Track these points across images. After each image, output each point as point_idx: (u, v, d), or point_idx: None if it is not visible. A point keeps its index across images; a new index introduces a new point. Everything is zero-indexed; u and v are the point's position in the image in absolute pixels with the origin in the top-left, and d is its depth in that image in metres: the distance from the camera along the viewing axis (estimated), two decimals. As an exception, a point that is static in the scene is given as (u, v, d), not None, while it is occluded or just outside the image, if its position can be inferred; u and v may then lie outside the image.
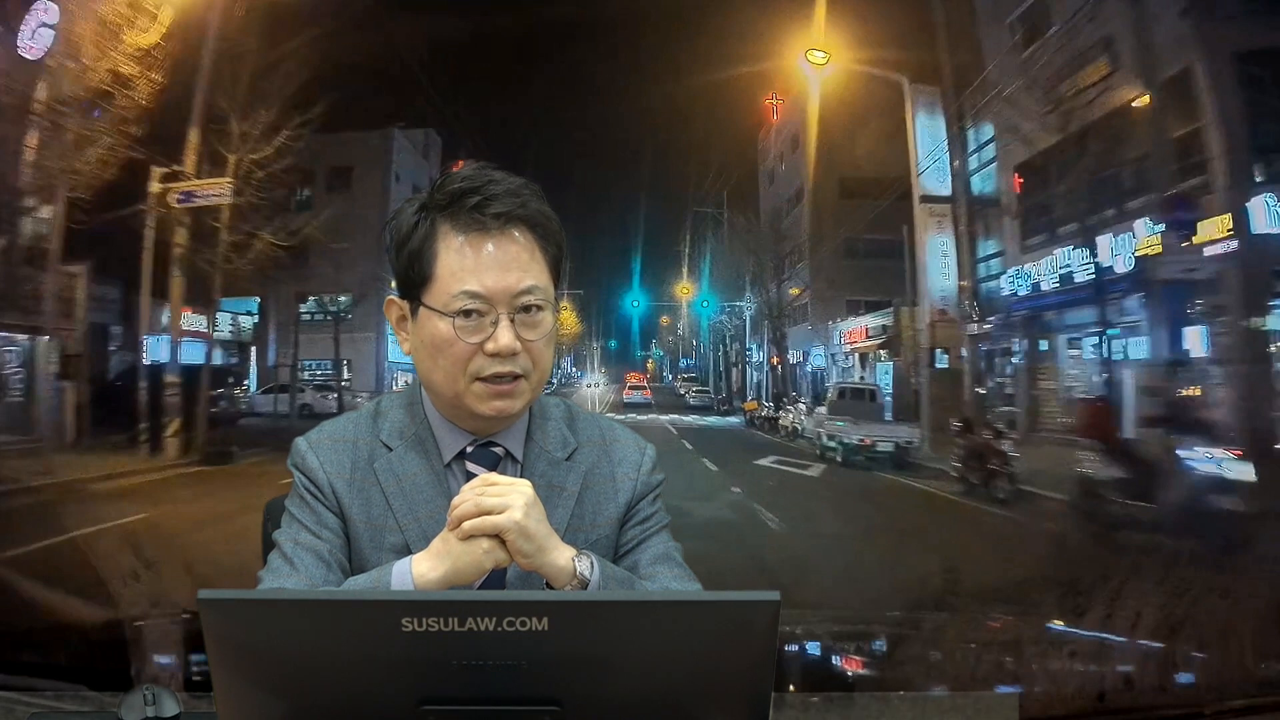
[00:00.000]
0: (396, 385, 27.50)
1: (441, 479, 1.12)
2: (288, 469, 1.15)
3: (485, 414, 1.10)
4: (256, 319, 30.68)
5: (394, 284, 1.16)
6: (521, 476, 1.14)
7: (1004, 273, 19.76)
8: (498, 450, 1.15)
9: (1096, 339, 16.39)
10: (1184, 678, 1.66)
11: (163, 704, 0.87)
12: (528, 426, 1.18)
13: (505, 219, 1.07)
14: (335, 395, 26.43)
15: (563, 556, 1.01)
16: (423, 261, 1.08)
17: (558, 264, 1.12)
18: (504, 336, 1.06)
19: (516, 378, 1.09)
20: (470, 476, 1.12)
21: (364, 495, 1.10)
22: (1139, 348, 15.29)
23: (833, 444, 17.55)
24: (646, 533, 1.22)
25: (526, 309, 1.08)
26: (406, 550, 1.07)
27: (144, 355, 17.11)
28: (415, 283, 1.09)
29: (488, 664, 0.75)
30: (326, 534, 1.08)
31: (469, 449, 1.14)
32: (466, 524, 0.97)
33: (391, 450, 1.12)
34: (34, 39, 12.98)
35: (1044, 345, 19.20)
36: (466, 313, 1.06)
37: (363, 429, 1.15)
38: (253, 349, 31.01)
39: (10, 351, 15.19)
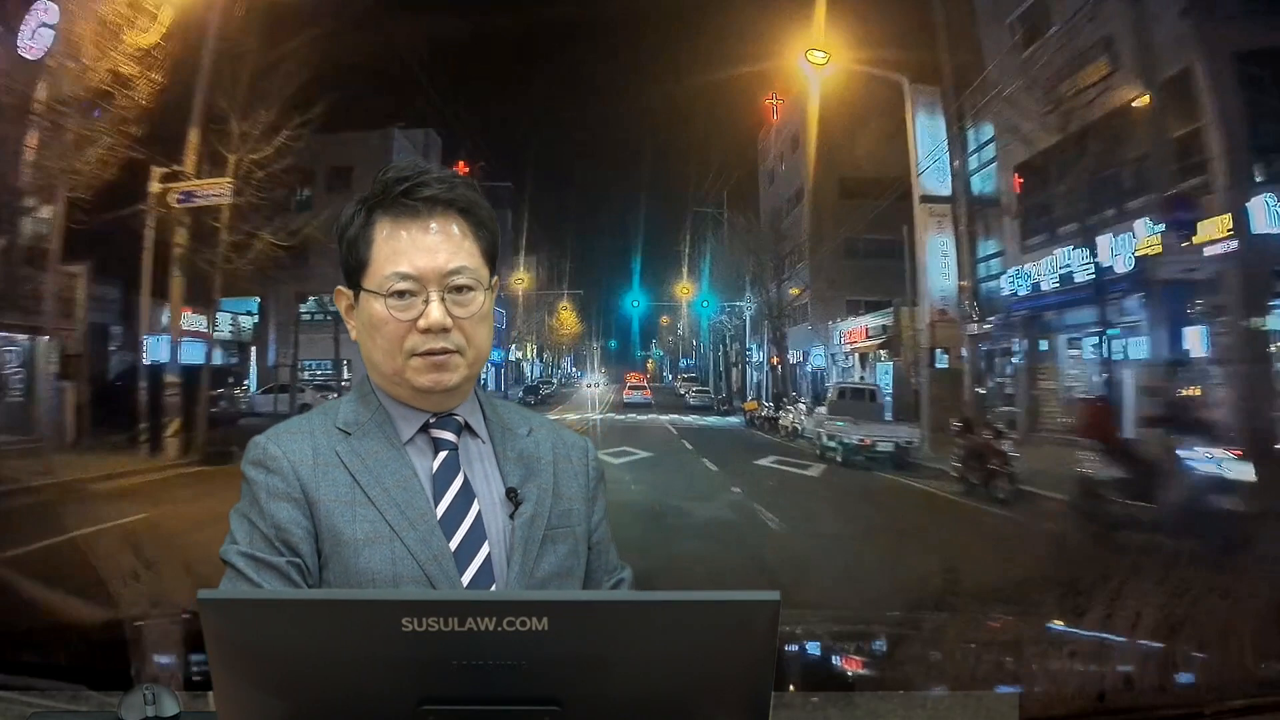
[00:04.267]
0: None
1: (402, 452, 1.16)
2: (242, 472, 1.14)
3: (423, 385, 1.14)
4: (256, 319, 30.67)
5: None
6: (489, 449, 1.20)
7: (1004, 273, 19.76)
8: (458, 419, 1.19)
9: (1096, 339, 16.38)
10: (1184, 678, 1.66)
11: (163, 704, 0.87)
12: (483, 411, 1.24)
13: (434, 203, 1.13)
14: (335, 395, 26.41)
15: None
16: (359, 249, 1.15)
17: (492, 251, 1.19)
18: (434, 313, 1.12)
19: (450, 352, 1.14)
20: (437, 444, 1.18)
21: (329, 478, 1.12)
22: (1139, 348, 15.29)
23: (833, 444, 17.55)
24: (604, 529, 1.30)
25: (458, 289, 1.13)
26: (380, 518, 1.10)
27: (144, 355, 17.10)
28: (354, 269, 1.16)
29: (488, 664, 0.75)
30: (280, 544, 1.07)
31: (432, 420, 1.18)
32: None
33: (350, 434, 1.16)
34: (34, 39, 12.98)
35: (1044, 345, 19.20)
36: (400, 293, 1.12)
37: (317, 423, 1.18)
38: (253, 349, 30.99)
39: (10, 351, 15.19)
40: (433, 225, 1.13)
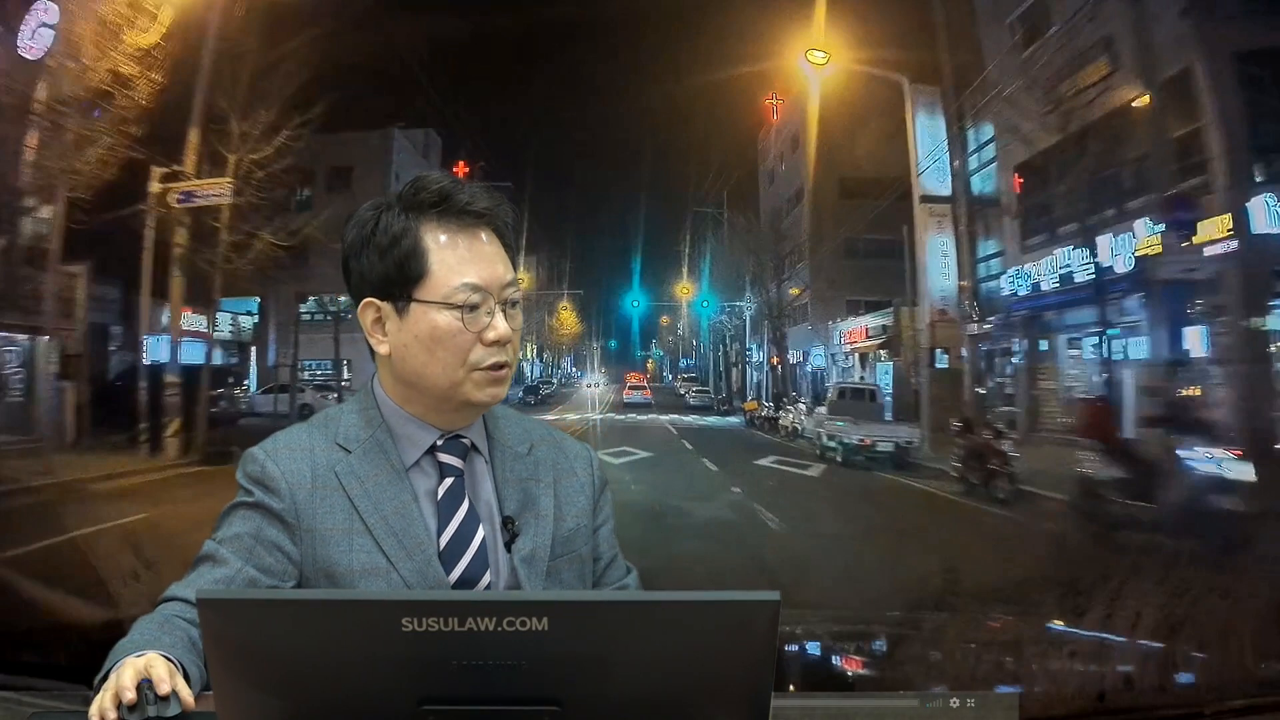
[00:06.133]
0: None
1: (403, 476, 1.14)
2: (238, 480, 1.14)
3: (482, 401, 1.14)
4: (256, 319, 30.64)
5: (352, 287, 1.17)
6: (489, 470, 1.19)
7: (1004, 273, 19.75)
8: (465, 441, 1.18)
9: (1096, 339, 16.38)
10: (1184, 678, 1.66)
11: (163, 704, 0.87)
12: (484, 425, 1.22)
13: (489, 216, 1.14)
14: (335, 395, 26.41)
15: None
16: (415, 260, 1.11)
17: (514, 263, 1.20)
18: (502, 324, 1.12)
19: (506, 365, 1.14)
20: (443, 467, 1.16)
21: (327, 503, 1.11)
22: (1139, 348, 15.28)
23: (833, 444, 17.54)
24: (607, 532, 1.30)
25: (513, 301, 1.15)
26: (377, 549, 1.09)
27: (144, 355, 17.08)
28: (406, 281, 1.12)
29: (488, 664, 0.75)
30: (259, 550, 1.08)
31: (439, 442, 1.17)
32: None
33: (350, 453, 1.14)
34: (34, 39, 12.97)
35: (1044, 345, 19.19)
36: (472, 305, 1.11)
37: (316, 437, 1.16)
38: (253, 349, 30.97)
39: (10, 351, 15.18)
40: (484, 237, 1.14)
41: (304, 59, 16.19)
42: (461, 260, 1.11)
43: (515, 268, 1.19)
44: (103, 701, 0.87)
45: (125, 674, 0.88)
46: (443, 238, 1.11)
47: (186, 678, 0.94)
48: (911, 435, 17.45)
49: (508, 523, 1.16)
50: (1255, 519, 7.57)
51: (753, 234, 36.81)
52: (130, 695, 0.86)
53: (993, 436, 12.40)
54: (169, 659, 0.93)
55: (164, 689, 0.87)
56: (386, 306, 1.14)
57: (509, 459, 1.21)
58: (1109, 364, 15.36)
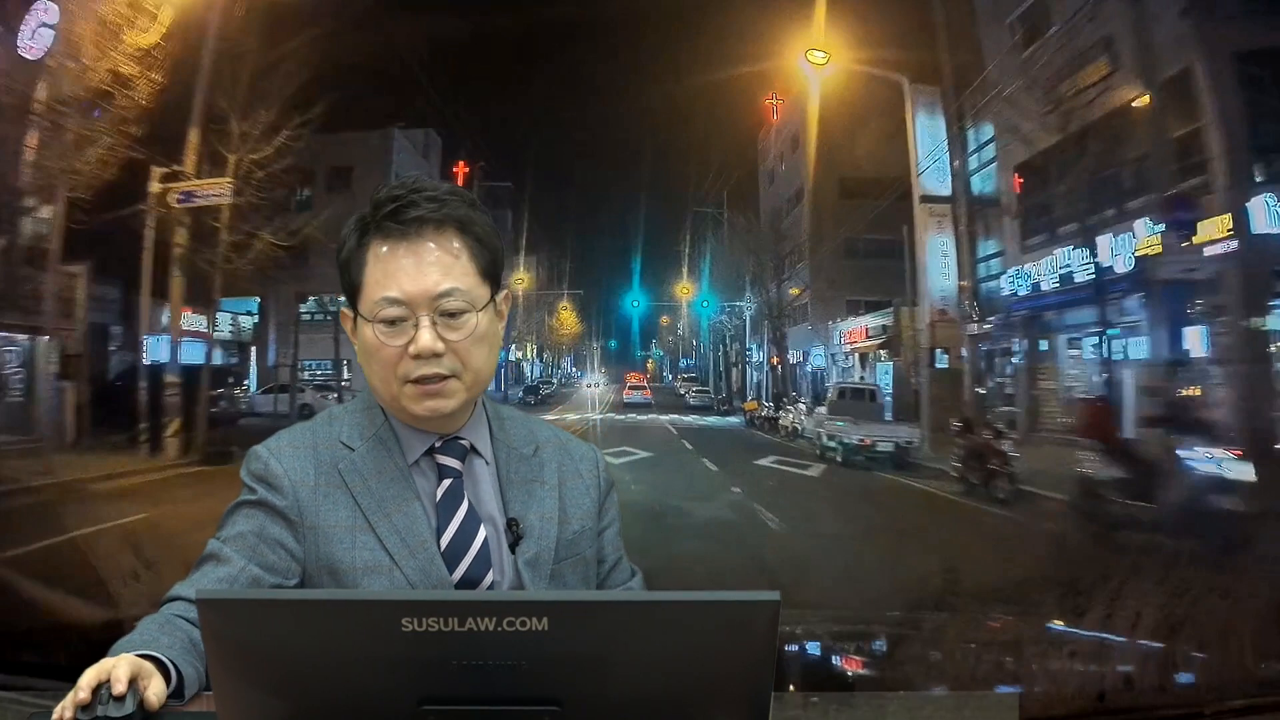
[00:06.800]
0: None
1: (406, 475, 1.14)
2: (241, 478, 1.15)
3: (419, 413, 1.12)
4: (256, 319, 30.65)
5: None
6: (491, 472, 1.18)
7: (1004, 273, 19.75)
8: (464, 443, 1.17)
9: (1096, 339, 16.38)
10: (1184, 678, 1.66)
11: (116, 704, 0.87)
12: (489, 427, 1.21)
13: (422, 223, 1.09)
14: (335, 395, 26.40)
15: None
16: (353, 272, 1.12)
17: (492, 268, 1.14)
18: (424, 338, 1.08)
19: (444, 378, 1.10)
20: (441, 470, 1.15)
21: (331, 500, 1.11)
22: (1139, 348, 15.28)
23: (833, 444, 17.55)
24: (612, 534, 1.28)
25: (450, 313, 1.09)
26: (380, 546, 1.09)
27: (144, 355, 17.09)
28: (350, 294, 1.13)
29: (488, 664, 0.75)
30: (262, 548, 1.08)
31: (438, 444, 1.16)
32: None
33: (354, 450, 1.14)
34: (34, 39, 12.97)
35: (1044, 345, 19.19)
36: (390, 319, 1.09)
37: (320, 435, 1.16)
38: (253, 349, 30.97)
39: (10, 351, 15.18)
40: (425, 246, 1.10)
41: (304, 59, 16.21)
42: (386, 273, 1.09)
43: (496, 269, 1.15)
44: (64, 702, 0.87)
45: (87, 675, 0.87)
46: (384, 249, 1.10)
47: (181, 678, 0.93)
48: (911, 435, 17.45)
49: (512, 524, 1.15)
50: (1255, 519, 7.57)
51: (753, 234, 36.82)
52: (83, 695, 0.85)
53: (993, 436, 12.40)
54: (158, 659, 0.92)
55: (118, 689, 0.85)
56: (353, 316, 1.16)
57: (514, 460, 1.20)
58: (1109, 364, 15.37)
